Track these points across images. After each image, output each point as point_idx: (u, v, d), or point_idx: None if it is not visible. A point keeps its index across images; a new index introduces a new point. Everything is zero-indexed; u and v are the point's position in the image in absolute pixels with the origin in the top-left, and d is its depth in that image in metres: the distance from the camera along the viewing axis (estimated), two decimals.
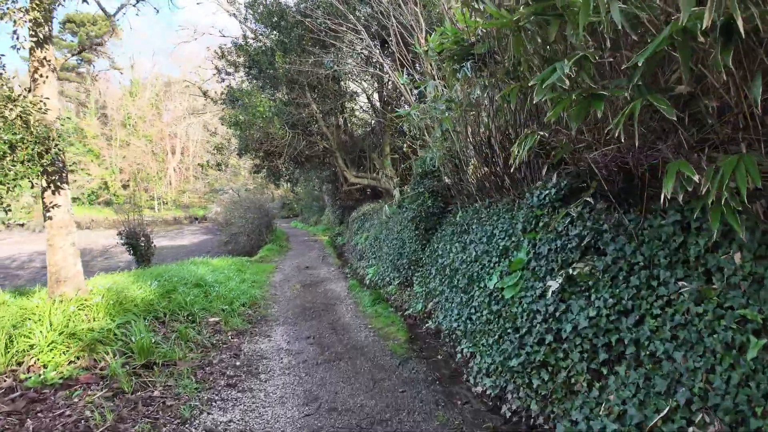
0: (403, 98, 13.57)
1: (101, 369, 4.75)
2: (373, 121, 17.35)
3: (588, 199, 3.88)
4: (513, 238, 4.99)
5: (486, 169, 6.74)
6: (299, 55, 11.83)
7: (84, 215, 42.35)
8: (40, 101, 5.88)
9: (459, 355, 5.16)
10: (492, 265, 5.12)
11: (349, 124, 17.52)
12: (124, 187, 48.84)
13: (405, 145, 16.92)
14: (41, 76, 6.24)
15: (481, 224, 6.23)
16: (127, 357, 5.01)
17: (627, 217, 3.77)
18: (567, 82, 2.88)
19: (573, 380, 3.58)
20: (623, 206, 3.88)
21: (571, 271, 3.84)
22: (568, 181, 4.57)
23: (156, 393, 4.38)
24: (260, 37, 13.80)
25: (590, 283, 3.71)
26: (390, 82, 13.99)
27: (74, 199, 43.97)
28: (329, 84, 13.36)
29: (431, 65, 8.62)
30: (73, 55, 6.90)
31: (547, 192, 4.66)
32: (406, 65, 10.09)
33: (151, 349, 5.02)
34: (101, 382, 4.52)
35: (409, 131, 12.30)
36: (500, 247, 5.10)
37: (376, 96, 15.65)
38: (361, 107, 17.14)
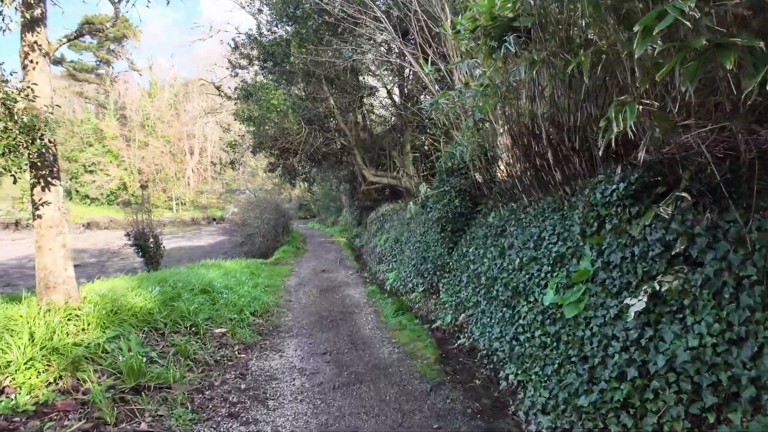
0: (426, 90, 12.79)
1: (83, 393, 4.07)
2: (393, 118, 16.61)
3: (683, 194, 3.04)
4: (569, 243, 4.17)
5: (527, 162, 5.93)
6: (316, 46, 11.13)
7: (103, 215, 42.45)
8: (27, 87, 5.28)
9: (503, 383, 4.34)
10: (543, 275, 4.30)
11: (368, 121, 16.78)
12: (143, 187, 48.96)
13: (426, 143, 16.15)
14: (32, 61, 5.63)
15: (522, 226, 5.41)
16: (116, 378, 4.33)
17: (725, 218, 2.96)
18: (689, 24, 2.06)
19: (667, 428, 2.75)
20: (717, 204, 3.06)
21: (657, 286, 3.01)
22: (639, 173, 3.75)
23: (143, 426, 3.67)
24: (275, 28, 13.16)
25: (685, 302, 2.89)
26: (411, 75, 13.21)
27: (93, 200, 44.14)
28: (348, 77, 12.63)
29: (460, 51, 7.81)
30: (69, 40, 6.28)
31: (614, 188, 3.83)
32: (431, 54, 9.29)
33: (143, 370, 4.33)
34: (81, 410, 3.83)
35: (434, 125, 11.50)
36: (552, 254, 4.28)
37: (396, 91, 14.89)
38: (381, 102, 16.37)
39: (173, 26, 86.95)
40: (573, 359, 3.48)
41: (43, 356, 4.36)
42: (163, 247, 11.91)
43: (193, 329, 5.86)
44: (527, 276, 4.53)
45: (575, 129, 4.74)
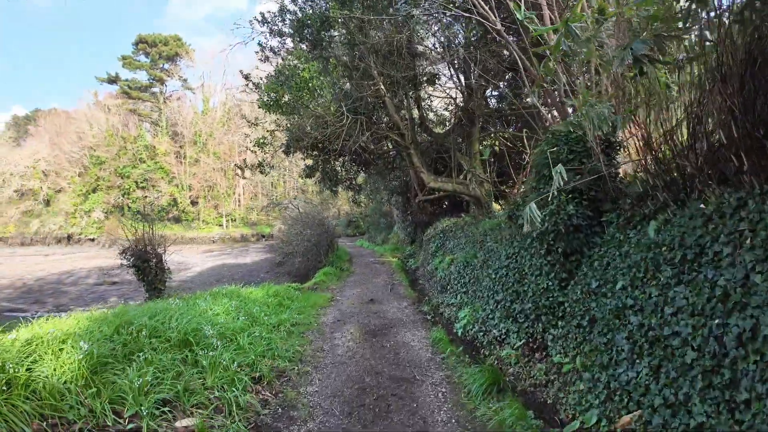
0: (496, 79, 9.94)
1: None
2: (453, 118, 13.85)
3: None
4: None
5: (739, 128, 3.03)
6: (362, 11, 8.64)
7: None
8: None
9: None
10: None
11: (425, 113, 14.00)
12: (193, 203, 48.59)
13: (497, 142, 13.27)
14: None
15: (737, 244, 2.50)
16: None
17: None
18: None
19: None
20: None
21: None
22: None
23: None
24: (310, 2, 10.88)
25: None
26: (472, 64, 10.35)
27: (144, 215, 44.10)
28: (402, 54, 9.93)
29: None
30: None
31: None
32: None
33: None
34: None
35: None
36: None
37: (462, 79, 12.10)
38: (442, 90, 13.60)
39: (227, 42, 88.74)
40: None
41: None
42: (168, 269, 9.57)
43: (133, 424, 3.32)
44: None
45: None
